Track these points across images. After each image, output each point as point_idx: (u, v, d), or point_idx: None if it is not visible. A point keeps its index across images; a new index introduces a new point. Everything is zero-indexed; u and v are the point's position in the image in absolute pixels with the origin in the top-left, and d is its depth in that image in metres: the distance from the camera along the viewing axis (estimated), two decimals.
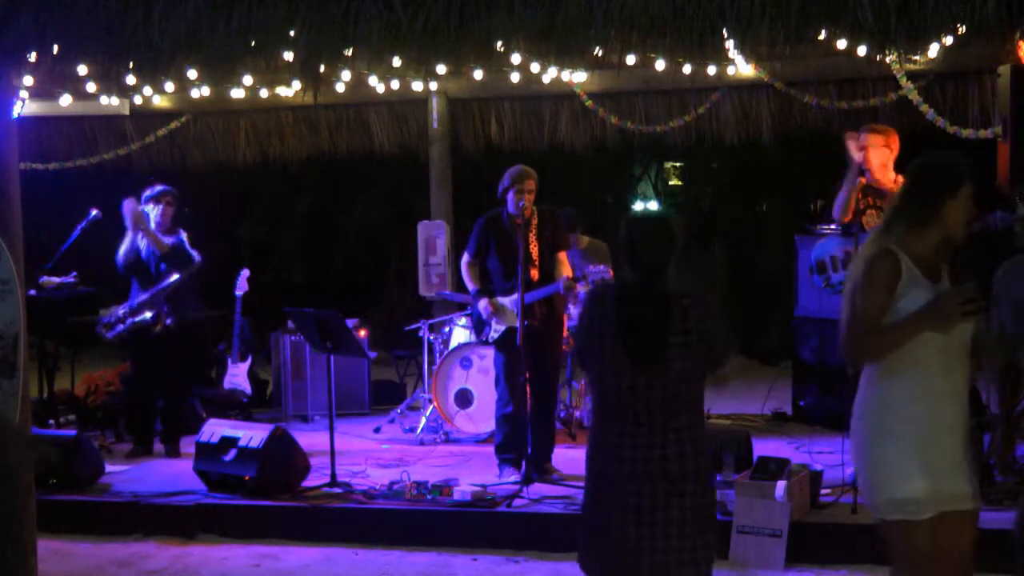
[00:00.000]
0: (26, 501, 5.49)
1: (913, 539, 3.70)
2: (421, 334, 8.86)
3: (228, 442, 6.92)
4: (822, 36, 5.28)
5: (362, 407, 9.61)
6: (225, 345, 9.35)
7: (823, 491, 6.23)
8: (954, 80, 8.35)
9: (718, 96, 8.94)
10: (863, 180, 6.94)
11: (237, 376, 9.21)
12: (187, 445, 7.78)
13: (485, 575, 5.97)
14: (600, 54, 5.52)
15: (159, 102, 9.34)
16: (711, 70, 8.16)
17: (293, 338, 9.41)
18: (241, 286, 9.12)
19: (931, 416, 3.69)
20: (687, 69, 7.88)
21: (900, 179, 5.83)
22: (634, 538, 3.72)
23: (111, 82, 7.45)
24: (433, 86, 9.01)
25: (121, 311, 8.09)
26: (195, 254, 8.07)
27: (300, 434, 7.42)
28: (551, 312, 7.11)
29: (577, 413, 8.59)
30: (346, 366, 9.08)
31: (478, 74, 8.18)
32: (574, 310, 7.99)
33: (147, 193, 8.09)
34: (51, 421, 8.73)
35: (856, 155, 6.63)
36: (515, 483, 6.74)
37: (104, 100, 8.88)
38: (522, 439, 6.92)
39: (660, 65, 7.41)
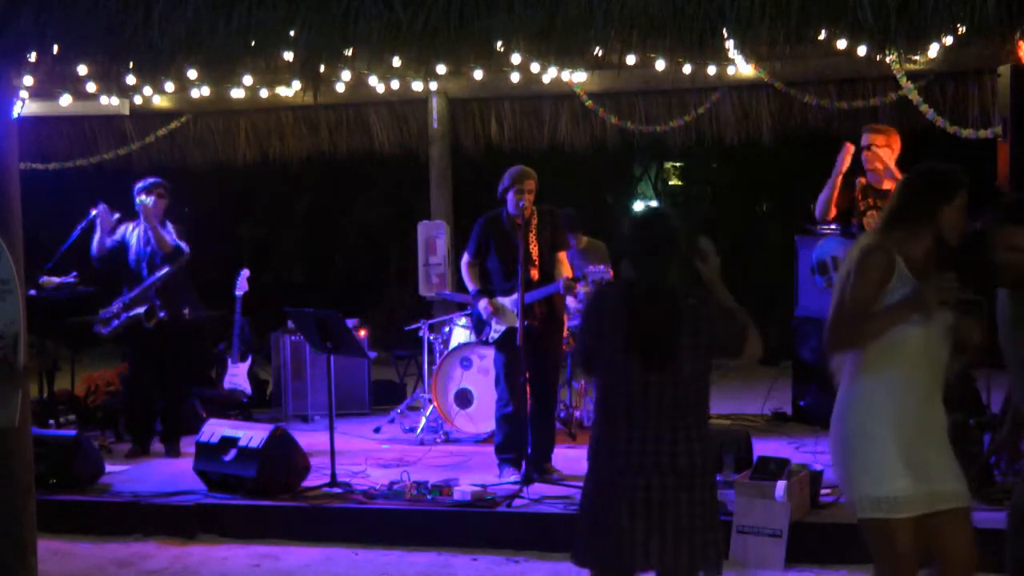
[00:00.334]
0: (26, 501, 5.49)
1: (890, 538, 3.73)
2: (421, 334, 8.86)
3: (228, 442, 6.92)
4: (822, 36, 5.27)
5: (362, 407, 9.61)
6: (225, 345, 9.36)
7: (823, 491, 6.23)
8: (954, 80, 8.36)
9: (718, 96, 8.95)
10: (863, 180, 6.97)
11: (237, 376, 9.22)
12: (187, 445, 7.77)
13: (485, 575, 5.97)
14: (600, 54, 5.52)
15: (159, 102, 9.33)
16: (711, 70, 8.16)
17: (293, 338, 9.41)
18: (241, 286, 9.12)
19: (912, 415, 3.73)
20: (687, 69, 7.87)
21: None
22: (643, 531, 3.72)
23: (111, 82, 7.44)
24: (433, 86, 9.02)
25: (116, 307, 8.09)
26: (184, 246, 8.06)
27: (300, 434, 7.42)
28: (551, 312, 7.11)
29: (577, 413, 8.59)
30: (346, 366, 9.08)
31: (478, 74, 8.17)
32: (574, 310, 8.00)
33: (139, 185, 8.08)
34: (51, 421, 8.73)
35: (844, 162, 6.82)
36: (515, 483, 6.74)
37: (104, 100, 8.87)
38: (522, 439, 6.92)
39: (660, 65, 7.40)
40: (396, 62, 5.82)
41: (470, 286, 7.28)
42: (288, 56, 5.51)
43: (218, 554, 6.38)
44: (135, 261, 8.06)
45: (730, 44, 5.38)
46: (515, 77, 8.23)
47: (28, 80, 6.24)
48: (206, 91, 8.41)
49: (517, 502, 6.47)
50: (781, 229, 12.67)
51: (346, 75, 7.56)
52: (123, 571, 6.21)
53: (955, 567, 3.84)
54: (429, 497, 6.56)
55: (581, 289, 7.24)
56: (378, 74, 8.11)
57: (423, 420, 8.54)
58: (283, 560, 6.25)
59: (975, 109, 8.37)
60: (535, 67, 7.32)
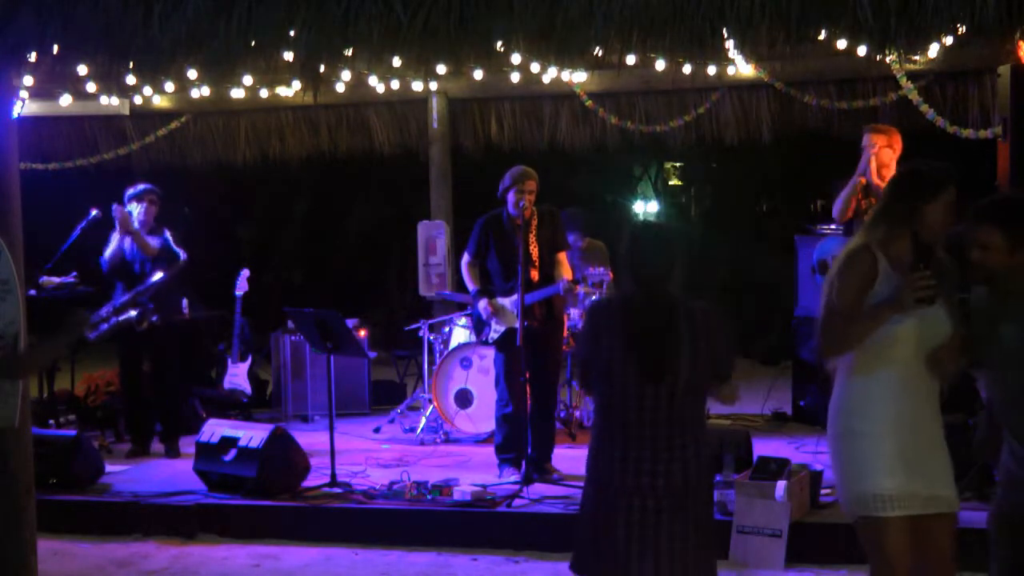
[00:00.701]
0: (26, 501, 5.50)
1: (881, 536, 3.73)
2: (421, 334, 8.86)
3: (228, 442, 6.92)
4: (822, 36, 5.27)
5: (362, 407, 9.61)
6: (225, 345, 9.35)
7: (823, 491, 6.23)
8: (954, 80, 8.35)
9: (718, 96, 8.95)
10: (863, 180, 6.97)
11: (237, 376, 9.21)
12: (187, 445, 7.78)
13: (485, 575, 5.97)
14: (600, 54, 5.52)
15: (159, 102, 9.34)
16: (711, 70, 8.16)
17: (293, 338, 9.41)
18: (241, 286, 9.12)
19: (909, 415, 3.73)
20: (687, 69, 7.88)
21: None
22: (637, 553, 3.71)
23: (111, 82, 7.45)
24: (433, 86, 9.02)
25: (104, 311, 8.06)
26: (180, 252, 8.04)
27: (300, 434, 7.42)
28: (551, 312, 7.10)
29: (577, 413, 8.60)
30: (346, 366, 9.08)
31: (478, 74, 8.17)
32: (574, 311, 8.00)
33: (130, 192, 8.07)
34: (51, 421, 8.73)
35: (869, 165, 6.73)
36: (515, 483, 6.74)
37: (104, 100, 8.87)
38: (522, 439, 6.92)
39: (660, 65, 7.41)
40: (396, 62, 5.82)
41: (470, 286, 7.28)
42: (288, 56, 5.51)
43: (218, 554, 6.38)
44: (139, 266, 8.02)
45: (730, 44, 5.39)
46: (515, 77, 8.23)
47: (28, 80, 6.25)
48: (206, 91, 8.42)
49: (517, 502, 6.47)
50: (781, 229, 12.69)
51: (346, 75, 7.56)
52: (123, 571, 6.21)
53: (934, 573, 3.83)
54: (429, 497, 6.56)
55: (581, 291, 7.25)
56: (378, 74, 8.12)
57: (423, 420, 8.54)
58: (283, 560, 6.26)
59: (975, 109, 8.37)
60: (535, 67, 7.33)
